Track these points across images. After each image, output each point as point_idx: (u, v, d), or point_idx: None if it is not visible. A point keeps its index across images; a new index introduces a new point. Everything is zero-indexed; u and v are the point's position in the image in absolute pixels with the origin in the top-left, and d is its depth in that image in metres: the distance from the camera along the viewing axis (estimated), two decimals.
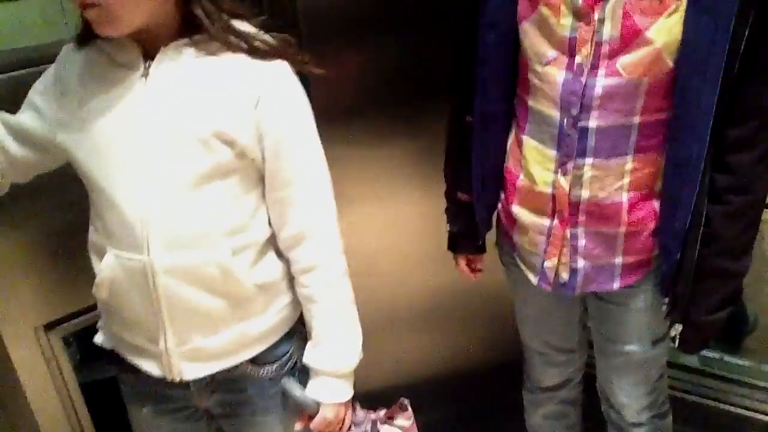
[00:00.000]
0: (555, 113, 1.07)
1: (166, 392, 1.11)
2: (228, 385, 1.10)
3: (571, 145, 1.07)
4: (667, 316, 1.17)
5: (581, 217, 1.12)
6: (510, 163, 1.21)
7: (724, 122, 0.98)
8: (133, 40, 0.97)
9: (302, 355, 1.11)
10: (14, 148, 1.04)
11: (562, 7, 1.01)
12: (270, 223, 1.07)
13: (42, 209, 1.32)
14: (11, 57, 1.26)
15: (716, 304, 1.10)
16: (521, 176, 1.17)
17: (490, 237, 1.38)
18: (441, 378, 1.97)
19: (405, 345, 1.90)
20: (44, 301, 1.36)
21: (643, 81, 1.00)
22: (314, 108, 1.04)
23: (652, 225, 1.12)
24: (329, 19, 1.58)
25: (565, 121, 1.06)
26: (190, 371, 1.06)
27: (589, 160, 1.07)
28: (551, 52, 1.05)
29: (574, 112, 1.05)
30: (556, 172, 1.10)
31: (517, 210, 1.20)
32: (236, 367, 1.08)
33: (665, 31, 0.96)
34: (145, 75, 0.97)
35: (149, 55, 0.97)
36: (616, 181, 1.08)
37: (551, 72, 1.05)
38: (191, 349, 1.04)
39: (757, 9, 0.91)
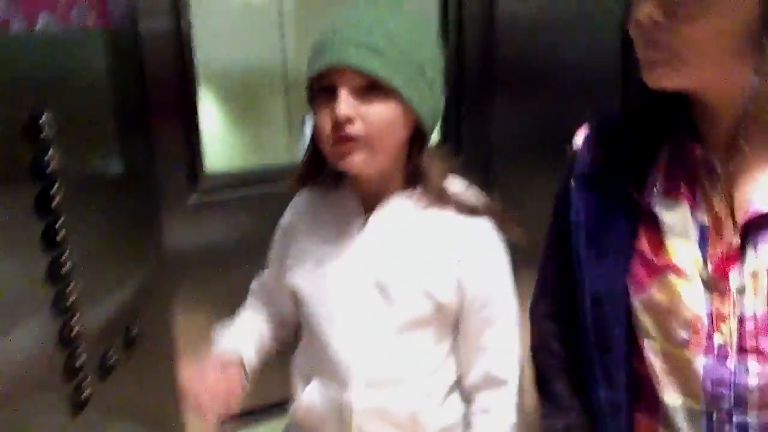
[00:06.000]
0: (698, 406, 0.82)
1: None
2: None
3: None
4: None
5: None
6: None
7: None
8: (355, 191, 1.06)
9: None
10: (277, 307, 1.18)
11: (692, 275, 0.79)
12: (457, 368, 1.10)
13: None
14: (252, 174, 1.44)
15: None
16: None
17: None
18: None
19: None
20: None
21: None
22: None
23: None
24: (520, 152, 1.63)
25: (714, 416, 0.80)
26: None
27: None
28: (682, 332, 0.80)
29: (726, 406, 0.79)
30: None
31: None
32: None
33: None
34: (363, 225, 1.05)
35: (367, 206, 1.05)
36: None
37: (685, 356, 0.80)
38: None
39: None
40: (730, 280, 0.76)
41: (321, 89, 0.96)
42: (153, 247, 1.38)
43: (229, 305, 1.44)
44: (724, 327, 0.77)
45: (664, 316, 0.81)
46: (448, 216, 1.03)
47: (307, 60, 0.99)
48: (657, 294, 0.81)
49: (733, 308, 0.76)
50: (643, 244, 0.83)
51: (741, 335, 0.76)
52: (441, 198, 1.03)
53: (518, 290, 1.07)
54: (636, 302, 0.83)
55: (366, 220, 1.05)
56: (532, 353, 1.04)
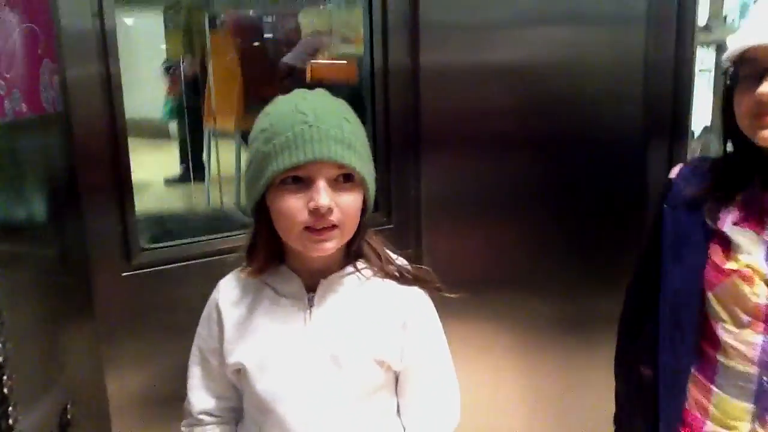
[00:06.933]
0: (752, 370, 1.09)
1: None
2: None
3: None
4: None
5: None
6: (691, 407, 1.20)
7: None
8: (293, 268, 1.09)
9: None
10: (230, 390, 1.16)
11: (756, 278, 1.05)
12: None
13: None
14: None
15: None
16: (709, 423, 1.16)
17: None
18: None
19: None
20: None
21: None
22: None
23: None
24: (448, 215, 1.71)
25: (765, 378, 1.08)
26: None
27: None
28: (745, 318, 1.08)
29: None
30: (752, 422, 1.11)
31: None
32: None
33: None
34: (310, 306, 1.08)
35: (307, 282, 1.09)
36: None
37: (746, 333, 1.08)
38: None
39: None
40: None
41: (288, 178, 0.99)
42: (87, 325, 1.38)
43: (165, 380, 1.45)
44: None
45: (732, 305, 1.09)
46: (388, 286, 1.11)
47: (269, 150, 0.98)
48: (726, 290, 1.09)
49: None
50: (716, 255, 1.10)
51: None
52: (383, 270, 1.10)
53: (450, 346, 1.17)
54: (710, 295, 1.11)
55: (310, 296, 1.08)
56: (621, 318, 1.34)
